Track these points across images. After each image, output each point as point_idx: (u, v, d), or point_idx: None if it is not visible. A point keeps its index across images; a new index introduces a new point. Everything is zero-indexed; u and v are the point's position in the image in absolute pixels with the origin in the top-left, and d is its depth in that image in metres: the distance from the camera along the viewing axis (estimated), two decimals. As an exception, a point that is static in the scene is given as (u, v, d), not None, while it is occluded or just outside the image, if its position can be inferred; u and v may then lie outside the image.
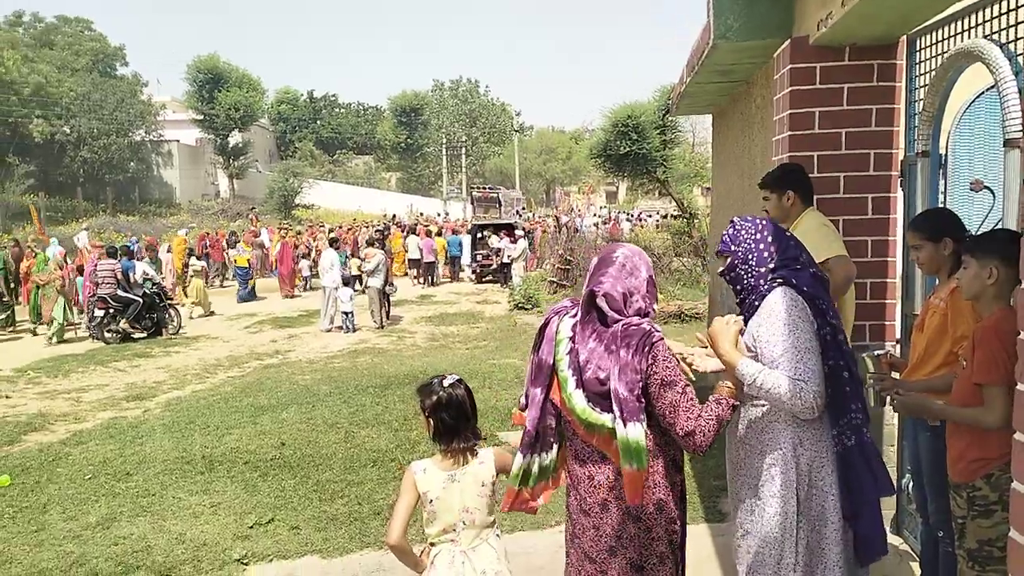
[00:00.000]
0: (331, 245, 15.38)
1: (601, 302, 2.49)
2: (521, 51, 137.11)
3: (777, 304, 2.60)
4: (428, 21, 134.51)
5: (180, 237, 19.72)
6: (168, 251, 18.69)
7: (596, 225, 29.61)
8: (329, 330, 13.76)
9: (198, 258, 18.09)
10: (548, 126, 72.45)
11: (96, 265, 13.67)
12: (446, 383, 2.71)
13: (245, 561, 4.51)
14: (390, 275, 15.06)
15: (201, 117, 41.45)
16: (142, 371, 10.76)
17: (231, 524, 5.01)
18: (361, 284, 15.63)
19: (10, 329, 14.77)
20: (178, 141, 41.32)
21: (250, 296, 18.61)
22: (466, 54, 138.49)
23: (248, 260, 19.06)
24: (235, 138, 43.16)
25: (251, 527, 4.95)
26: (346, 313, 13.71)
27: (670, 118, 19.07)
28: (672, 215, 25.26)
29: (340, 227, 28.22)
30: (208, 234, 22.57)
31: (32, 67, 30.69)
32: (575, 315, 2.59)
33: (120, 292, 13.21)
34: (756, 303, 2.67)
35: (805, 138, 4.54)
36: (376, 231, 20.48)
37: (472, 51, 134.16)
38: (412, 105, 58.97)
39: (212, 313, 16.56)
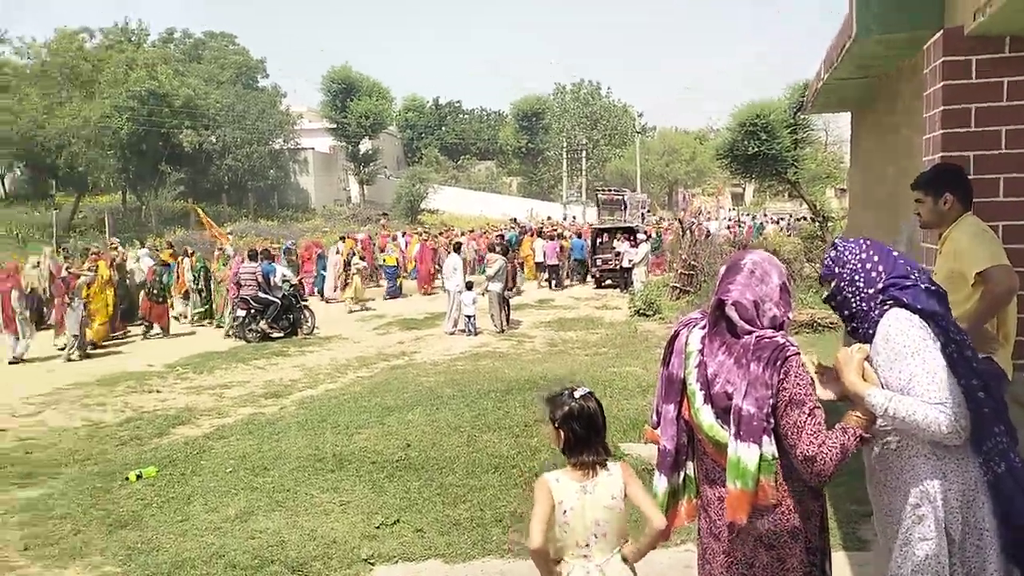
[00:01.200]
0: (455, 250, 15.69)
1: (730, 311, 2.38)
2: (643, 51, 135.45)
3: (893, 327, 2.39)
4: (552, 23, 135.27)
5: (351, 240, 20.96)
6: (337, 252, 19.99)
7: (728, 227, 28.70)
8: (453, 333, 14.03)
9: (361, 258, 19.06)
10: (671, 127, 71.20)
11: (239, 268, 14.57)
12: (577, 394, 2.65)
13: (372, 561, 4.62)
14: (510, 280, 15.20)
15: (334, 126, 43.39)
16: (279, 369, 11.32)
17: (359, 523, 5.16)
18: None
19: (208, 322, 16.02)
20: (313, 149, 43.41)
21: (397, 292, 20.28)
22: (588, 56, 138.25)
23: (396, 259, 21.03)
24: (365, 145, 44.86)
25: (378, 527, 5.08)
26: (468, 316, 13.93)
27: (802, 116, 18.27)
28: (804, 218, 24.17)
29: (472, 231, 28.81)
30: (367, 238, 23.80)
31: (182, 80, 33.04)
32: (705, 327, 2.48)
33: (260, 294, 13.98)
34: (870, 331, 2.47)
35: (960, 136, 4.20)
36: (498, 236, 20.74)
37: (594, 53, 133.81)
38: (534, 109, 59.38)
39: (366, 308, 18.15)
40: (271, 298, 14.01)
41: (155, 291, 14.90)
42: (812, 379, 2.37)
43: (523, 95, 61.12)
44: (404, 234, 25.15)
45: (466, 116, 68.05)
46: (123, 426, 8.20)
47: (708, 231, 25.71)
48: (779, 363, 2.27)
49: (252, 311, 13.84)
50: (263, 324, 13.85)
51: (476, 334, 13.82)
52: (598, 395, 2.71)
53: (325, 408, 8.44)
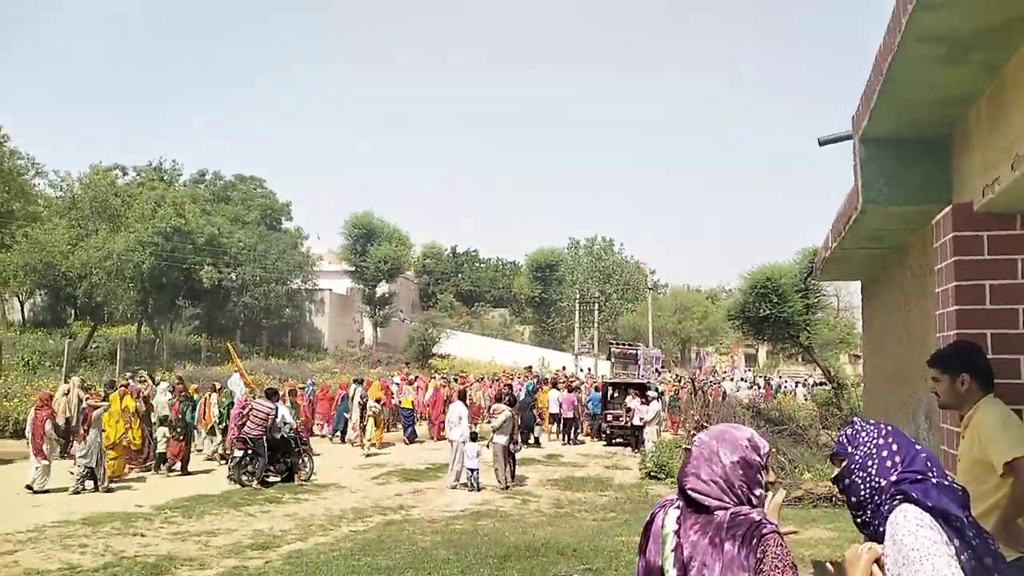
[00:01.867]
0: (460, 398, 15.41)
1: (694, 496, 2.22)
2: (656, 209, 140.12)
3: (901, 527, 2.18)
4: (565, 175, 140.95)
5: (377, 381, 20.83)
6: (361, 396, 19.52)
7: (739, 388, 28.30)
8: (455, 487, 13.53)
9: (376, 401, 18.89)
10: (683, 284, 72.26)
11: (246, 406, 14.32)
12: None
13: None
14: (516, 433, 14.85)
15: (353, 268, 44.31)
16: (271, 518, 10.85)
17: None
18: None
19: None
20: (330, 290, 44.12)
21: (414, 436, 20.16)
22: (601, 212, 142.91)
23: (412, 402, 20.82)
24: (382, 288, 45.58)
25: None
26: (472, 470, 13.48)
27: (812, 282, 18.43)
28: (823, 383, 23.84)
29: (483, 379, 28.61)
30: (382, 379, 23.66)
31: (208, 219, 34.06)
32: (679, 505, 2.30)
33: (261, 434, 13.61)
34: (880, 528, 2.26)
35: (975, 314, 4.08)
36: (506, 386, 20.55)
37: (608, 208, 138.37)
38: (547, 261, 60.65)
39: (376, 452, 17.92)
40: (273, 439, 13.68)
41: (178, 428, 14.62)
42: (791, 560, 2.16)
43: (538, 247, 62.67)
44: (417, 378, 24.95)
45: (482, 265, 69.51)
46: (100, 571, 7.78)
47: (724, 392, 25.34)
48: (755, 541, 2.09)
49: (249, 452, 13.45)
50: (255, 468, 13.39)
51: (479, 489, 13.32)
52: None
53: (312, 566, 7.98)
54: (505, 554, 8.35)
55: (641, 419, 18.90)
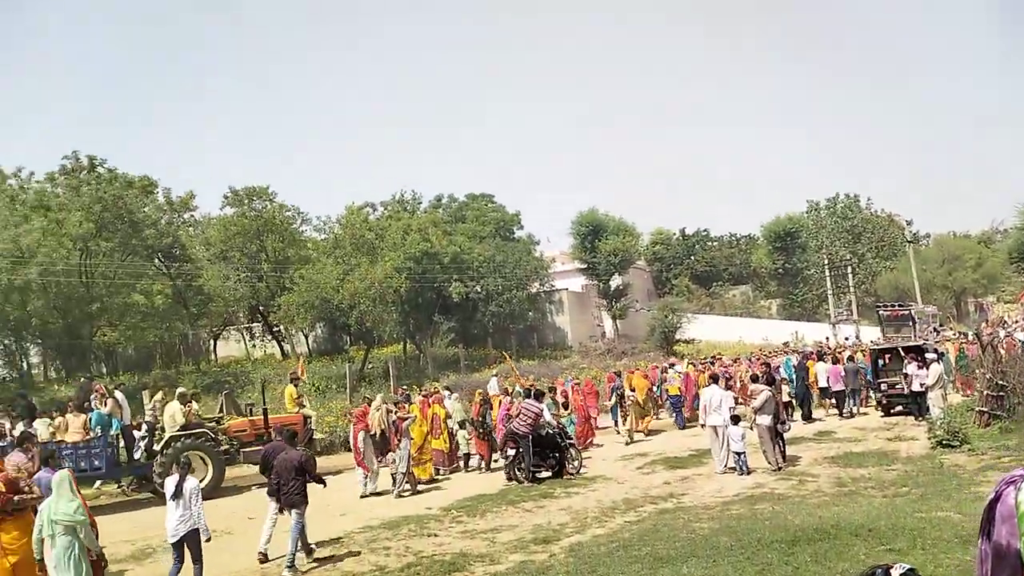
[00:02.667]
0: (713, 381, 14.95)
1: None
2: (901, 156, 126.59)
3: None
4: (801, 137, 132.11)
5: (639, 374, 21.09)
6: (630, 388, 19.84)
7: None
8: (723, 472, 13.17)
9: (632, 390, 19.22)
10: (948, 232, 64.72)
11: (510, 408, 15.12)
12: (895, 574, 2.21)
13: None
14: (781, 411, 14.13)
15: (585, 266, 45.08)
16: (546, 512, 11.26)
17: None
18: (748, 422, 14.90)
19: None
20: (567, 289, 45.16)
21: (684, 422, 20.10)
22: (842, 169, 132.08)
23: (679, 389, 20.74)
24: (616, 281, 45.83)
25: None
26: (738, 454, 13.04)
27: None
28: None
29: (738, 359, 27.74)
30: (653, 368, 23.84)
31: (450, 239, 36.47)
32: None
33: (531, 433, 14.22)
34: None
35: None
36: (762, 365, 19.64)
37: (849, 165, 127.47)
38: (787, 229, 57.32)
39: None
40: (540, 436, 14.25)
41: (480, 428, 16.09)
42: None
43: (773, 216, 59.41)
44: (672, 365, 24.62)
45: (714, 243, 67.31)
46: (404, 571, 8.50)
47: (1021, 343, 22.23)
48: None
49: (520, 450, 14.08)
50: (526, 464, 13.99)
51: (748, 473, 12.86)
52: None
53: (594, 557, 8.14)
54: (792, 538, 7.94)
55: (922, 384, 17.16)
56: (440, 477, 15.54)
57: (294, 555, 8.97)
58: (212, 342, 40.60)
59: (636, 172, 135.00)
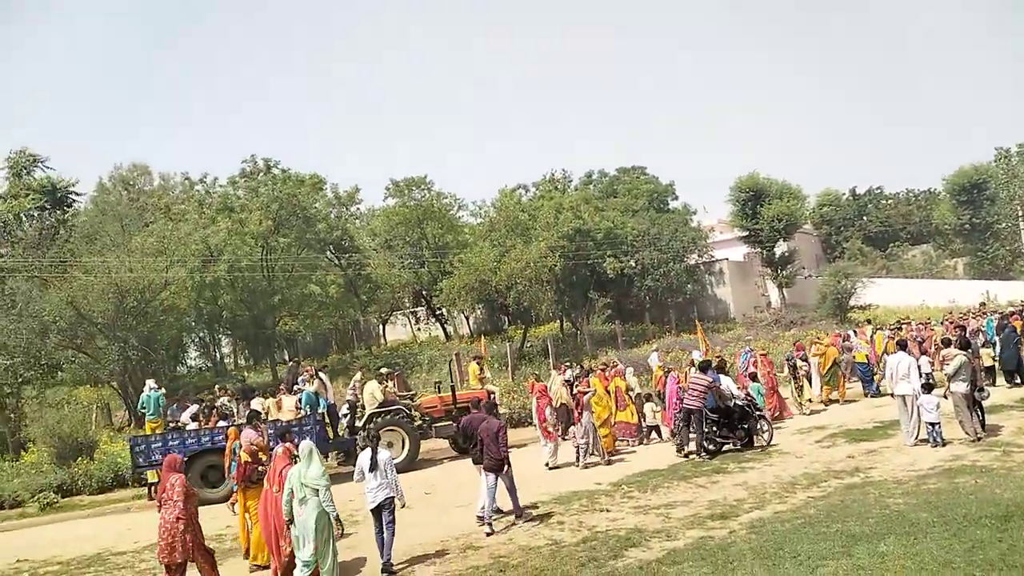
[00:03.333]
0: (899, 348, 13.85)
1: None
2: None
3: None
4: (983, 81, 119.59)
5: (826, 342, 20.14)
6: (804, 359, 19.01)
7: None
8: (914, 444, 12.20)
9: (803, 360, 18.50)
10: None
11: (681, 380, 15.03)
12: None
13: None
14: (979, 377, 12.87)
15: (746, 233, 43.15)
16: (721, 488, 10.90)
17: None
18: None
19: None
20: (727, 259, 43.48)
21: (877, 391, 18.97)
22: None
23: (866, 356, 19.74)
24: (780, 248, 43.65)
25: None
26: (932, 424, 12.02)
27: None
28: None
29: (929, 322, 25.79)
30: (837, 335, 22.75)
31: (602, 215, 36.13)
32: None
33: (703, 406, 13.85)
34: None
35: None
36: (956, 328, 17.97)
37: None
38: (972, 181, 52.19)
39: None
40: (724, 407, 13.91)
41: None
42: None
43: (958, 167, 54.24)
44: (857, 331, 23.05)
45: (890, 201, 62.42)
46: (580, 546, 8.51)
47: None
48: None
49: (692, 424, 13.77)
50: (701, 438, 13.66)
51: (943, 444, 11.84)
52: None
53: (779, 534, 7.77)
54: (1004, 513, 7.21)
55: None
56: (629, 449, 15.50)
57: (492, 512, 9.90)
58: (381, 327, 42.67)
59: (799, 133, 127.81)
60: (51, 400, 25.55)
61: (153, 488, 14.95)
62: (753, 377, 16.29)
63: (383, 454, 8.87)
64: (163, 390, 19.03)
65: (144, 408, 18.06)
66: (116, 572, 9.94)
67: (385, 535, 8.61)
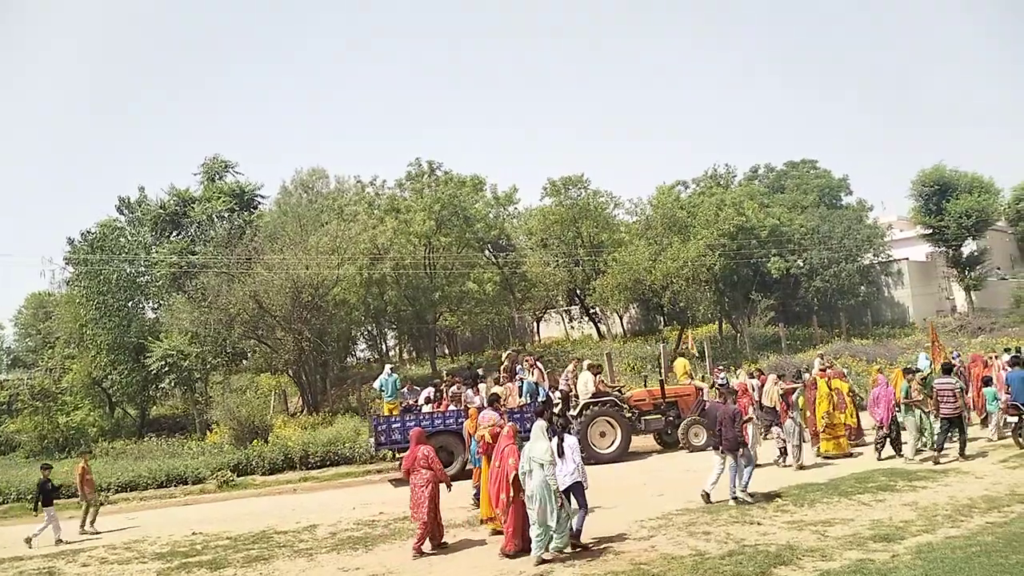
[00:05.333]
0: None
1: None
2: None
3: None
4: None
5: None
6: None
7: None
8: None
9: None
10: None
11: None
12: None
13: None
14: None
15: (930, 231, 39.80)
16: (887, 507, 10.15)
17: None
18: None
19: None
20: (907, 259, 40.33)
21: None
22: None
23: None
24: (969, 247, 39.97)
25: None
26: None
27: None
28: None
29: None
30: None
31: (767, 212, 34.57)
32: None
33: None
34: None
35: None
36: None
37: None
38: None
39: None
40: None
41: None
42: None
43: None
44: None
45: (1103, 193, 55.20)
46: (725, 559, 8.19)
47: None
48: None
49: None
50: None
51: None
52: None
53: (949, 561, 7.12)
54: None
55: None
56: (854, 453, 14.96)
57: (745, 485, 11.19)
58: (535, 324, 43.19)
59: (990, 119, 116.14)
60: (235, 386, 27.99)
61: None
62: (987, 382, 15.37)
63: (569, 440, 9.41)
64: (397, 375, 20.28)
65: (383, 390, 19.43)
66: (276, 549, 10.70)
67: (578, 515, 9.27)
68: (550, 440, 9.07)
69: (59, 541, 12.50)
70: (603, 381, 17.36)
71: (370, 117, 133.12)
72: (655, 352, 29.30)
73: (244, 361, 33.37)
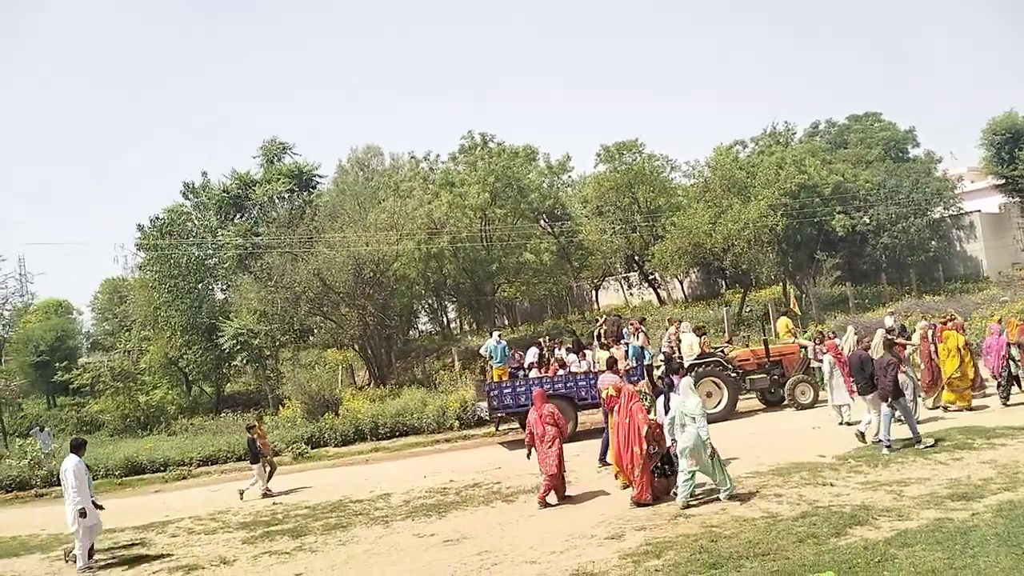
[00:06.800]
0: None
1: None
2: None
3: None
4: None
5: None
6: None
7: None
8: None
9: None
10: None
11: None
12: None
13: None
14: None
15: (1003, 181, 38.10)
16: (964, 465, 9.92)
17: None
18: None
19: None
20: (979, 211, 38.73)
21: None
22: None
23: None
24: (1046, 196, 38.18)
25: None
26: None
27: None
28: None
29: None
30: None
31: (830, 168, 33.53)
32: None
33: None
34: None
35: None
36: None
37: None
38: None
39: None
40: None
41: None
42: None
43: None
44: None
45: None
46: (798, 521, 8.14)
47: None
48: None
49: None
50: None
51: None
52: None
53: (1033, 519, 6.94)
54: None
55: None
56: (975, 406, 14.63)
57: (917, 437, 11.37)
58: (594, 292, 43.05)
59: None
60: (303, 361, 28.76)
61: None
62: None
63: (674, 399, 9.88)
64: (505, 342, 20.82)
65: (492, 356, 20.03)
66: (353, 517, 11.08)
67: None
68: (668, 399, 9.66)
69: (266, 493, 13.78)
70: (707, 342, 17.65)
71: (422, 90, 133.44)
72: (718, 316, 28.95)
73: (311, 337, 34.15)
